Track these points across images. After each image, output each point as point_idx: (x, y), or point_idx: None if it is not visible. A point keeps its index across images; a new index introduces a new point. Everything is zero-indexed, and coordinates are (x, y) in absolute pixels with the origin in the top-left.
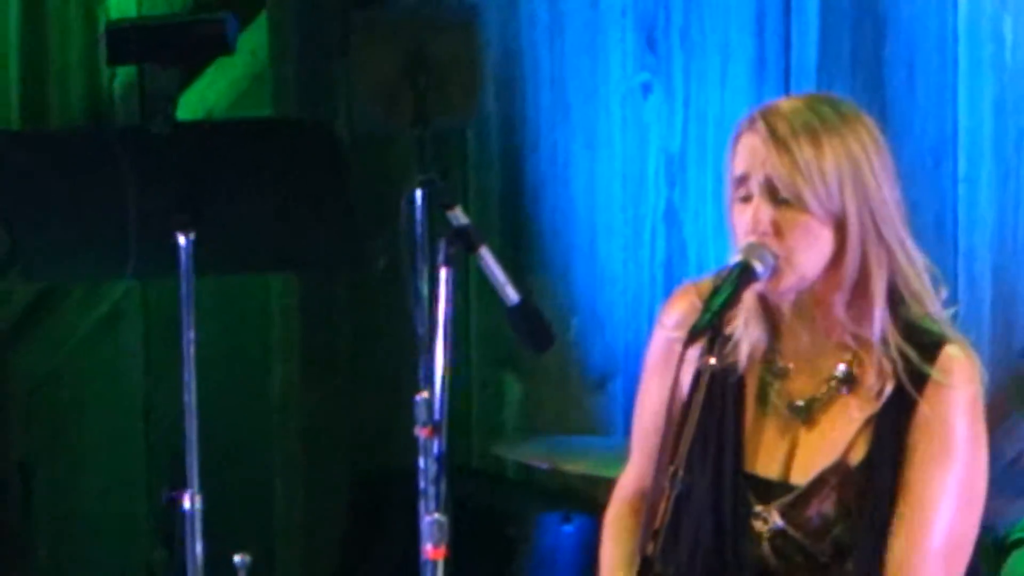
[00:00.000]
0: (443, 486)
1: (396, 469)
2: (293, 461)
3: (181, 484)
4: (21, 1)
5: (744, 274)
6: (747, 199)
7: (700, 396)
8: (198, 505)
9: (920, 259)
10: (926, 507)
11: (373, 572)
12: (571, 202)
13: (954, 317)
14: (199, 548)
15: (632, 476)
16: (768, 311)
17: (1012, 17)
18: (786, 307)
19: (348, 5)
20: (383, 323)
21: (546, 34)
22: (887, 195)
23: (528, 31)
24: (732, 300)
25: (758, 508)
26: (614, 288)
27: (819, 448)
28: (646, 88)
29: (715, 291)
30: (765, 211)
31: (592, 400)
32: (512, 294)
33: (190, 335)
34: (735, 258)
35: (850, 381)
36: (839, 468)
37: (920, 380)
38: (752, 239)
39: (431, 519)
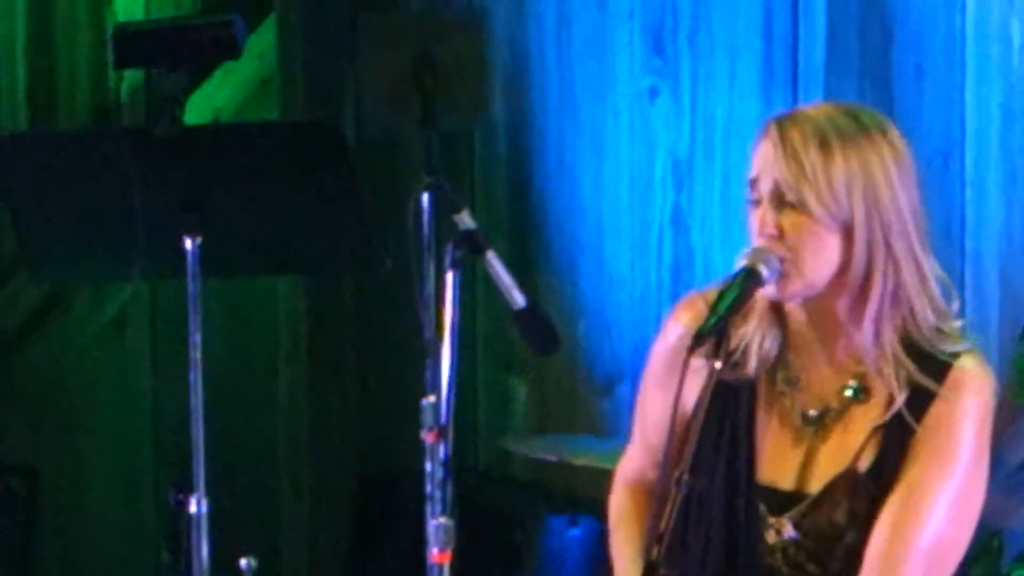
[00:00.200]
0: (449, 490)
1: (402, 472)
2: (299, 464)
3: (188, 487)
4: (28, 3)
5: (750, 278)
6: (758, 202)
7: (708, 401)
8: (205, 508)
9: (934, 273)
10: (920, 504)
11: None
12: (578, 205)
13: (963, 327)
14: (205, 551)
15: (634, 464)
16: (780, 319)
17: (1020, 19)
18: (797, 314)
19: (356, 8)
20: (390, 326)
21: (553, 37)
22: (902, 208)
23: (536, 34)
24: (738, 304)
25: (771, 520)
26: (621, 292)
27: (831, 457)
28: (653, 91)
29: (721, 295)
30: (771, 214)
31: (599, 404)
32: (519, 298)
33: (197, 338)
34: (741, 262)
35: (862, 392)
36: (848, 475)
37: (929, 395)
38: (759, 243)
39: (437, 523)
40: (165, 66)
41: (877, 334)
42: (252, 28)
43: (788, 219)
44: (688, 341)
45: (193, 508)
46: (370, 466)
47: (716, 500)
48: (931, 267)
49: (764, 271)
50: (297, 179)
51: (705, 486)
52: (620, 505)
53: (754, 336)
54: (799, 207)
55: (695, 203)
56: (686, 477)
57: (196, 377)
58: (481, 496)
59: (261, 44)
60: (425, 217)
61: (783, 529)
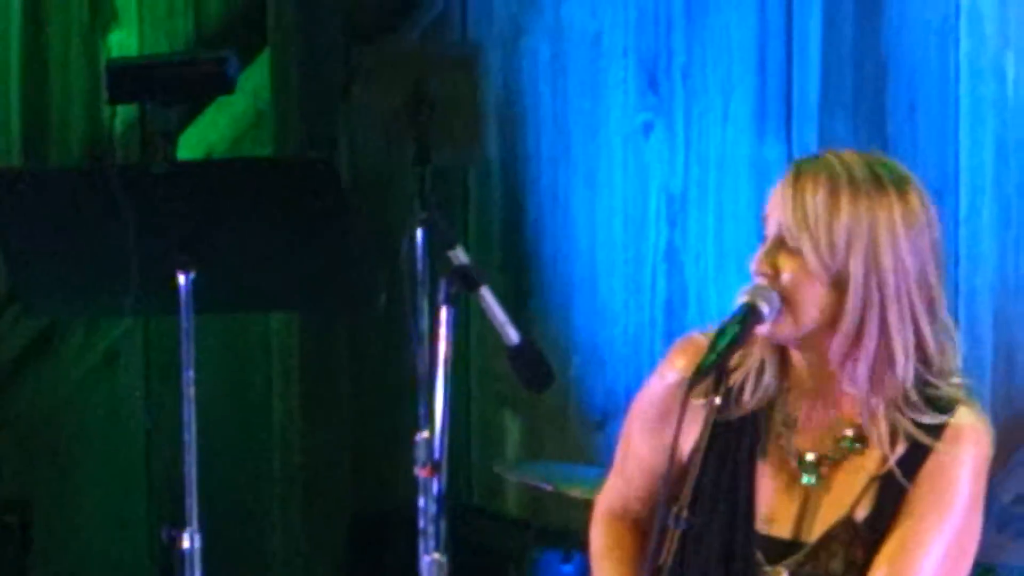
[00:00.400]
0: (443, 526)
1: (396, 508)
2: (292, 499)
3: (180, 522)
4: (22, 39)
5: (750, 315)
6: (765, 239)
7: (708, 439)
8: (197, 544)
9: (938, 338)
10: (916, 551)
11: None
12: (572, 241)
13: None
14: None
15: (616, 495)
16: (782, 356)
17: (1014, 54)
18: (797, 355)
19: (350, 43)
20: (383, 362)
21: (548, 73)
22: (907, 272)
23: (530, 69)
24: (738, 341)
25: (768, 568)
26: (615, 327)
27: (828, 506)
28: (647, 128)
29: (721, 331)
30: (770, 253)
31: (592, 439)
32: (512, 334)
33: (190, 373)
34: (741, 298)
35: (859, 441)
36: (846, 525)
37: (926, 449)
38: (758, 280)
39: (430, 559)
40: (159, 101)
41: (871, 392)
42: (246, 64)
43: (786, 262)
44: (686, 384)
45: (186, 543)
46: (363, 502)
47: (714, 538)
48: (936, 330)
49: (765, 308)
50: (291, 215)
51: (704, 523)
52: (604, 537)
53: (752, 372)
54: (796, 253)
55: (689, 239)
56: (685, 514)
57: (189, 412)
58: (474, 531)
59: (255, 80)
60: (419, 252)
61: None
